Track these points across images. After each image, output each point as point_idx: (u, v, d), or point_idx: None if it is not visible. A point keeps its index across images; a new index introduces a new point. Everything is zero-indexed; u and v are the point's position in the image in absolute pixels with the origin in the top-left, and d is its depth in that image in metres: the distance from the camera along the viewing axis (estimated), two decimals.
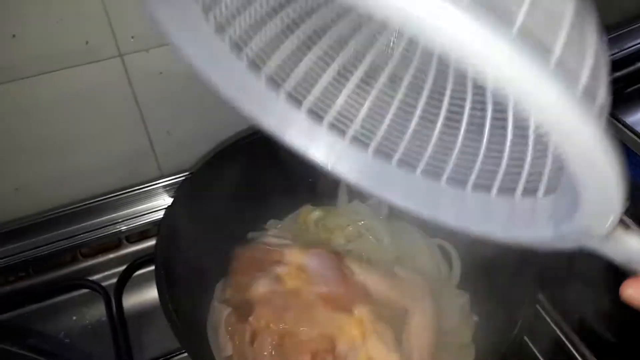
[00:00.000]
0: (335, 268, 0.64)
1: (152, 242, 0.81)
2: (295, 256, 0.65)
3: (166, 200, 0.82)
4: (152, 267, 0.75)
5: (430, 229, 0.77)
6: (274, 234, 0.73)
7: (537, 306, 0.69)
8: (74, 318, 0.75)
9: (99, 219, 0.80)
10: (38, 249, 0.77)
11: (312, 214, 0.79)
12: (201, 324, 0.67)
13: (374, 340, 0.58)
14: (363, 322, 0.60)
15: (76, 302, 0.77)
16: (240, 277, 0.67)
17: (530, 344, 0.70)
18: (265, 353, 0.60)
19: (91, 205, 0.79)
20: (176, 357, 0.68)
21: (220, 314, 0.65)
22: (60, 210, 0.78)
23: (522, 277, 0.58)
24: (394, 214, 0.79)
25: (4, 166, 0.73)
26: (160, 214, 0.80)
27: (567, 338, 0.68)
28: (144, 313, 0.76)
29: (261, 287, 0.62)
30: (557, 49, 0.23)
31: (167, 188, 0.82)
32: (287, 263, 0.65)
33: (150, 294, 0.76)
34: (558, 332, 0.69)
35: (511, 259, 0.62)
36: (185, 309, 0.60)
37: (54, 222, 0.78)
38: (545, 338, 0.70)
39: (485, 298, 0.68)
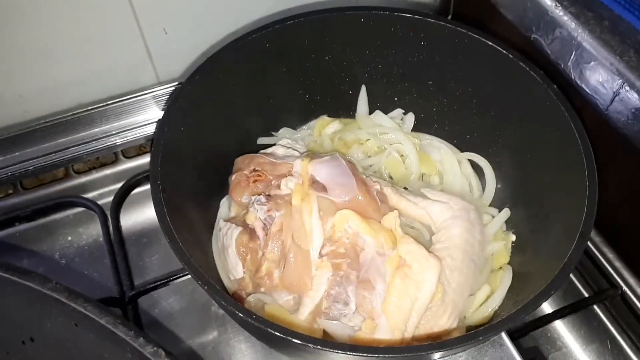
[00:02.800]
0: (352, 175, 0.57)
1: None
2: (304, 167, 0.58)
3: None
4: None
5: (461, 143, 0.70)
6: (285, 143, 0.65)
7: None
8: (69, 238, 0.70)
9: (92, 130, 0.73)
10: (26, 162, 0.71)
11: (328, 126, 0.71)
12: (204, 242, 0.61)
13: (409, 243, 0.54)
14: (393, 229, 0.55)
15: (71, 221, 0.71)
16: (240, 193, 0.61)
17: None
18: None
19: (83, 114, 0.72)
20: (180, 279, 0.63)
21: (229, 233, 0.58)
22: (49, 120, 0.71)
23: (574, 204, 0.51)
24: (422, 127, 0.71)
25: None
26: None
27: (612, 267, 0.63)
28: (144, 233, 0.70)
29: (258, 214, 0.57)
30: None
31: (166, 97, 0.75)
32: (295, 176, 0.58)
33: (150, 213, 0.69)
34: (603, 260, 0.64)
35: (561, 180, 0.55)
36: (187, 227, 0.53)
37: (42, 133, 0.71)
38: (587, 264, 0.64)
39: (527, 217, 0.62)
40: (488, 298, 0.57)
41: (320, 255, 0.55)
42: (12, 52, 0.64)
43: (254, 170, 0.61)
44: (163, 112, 0.57)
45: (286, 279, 0.54)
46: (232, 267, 0.58)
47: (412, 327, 0.52)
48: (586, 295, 0.65)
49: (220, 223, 0.62)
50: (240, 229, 0.58)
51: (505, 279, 0.57)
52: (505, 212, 0.63)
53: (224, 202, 0.65)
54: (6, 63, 0.65)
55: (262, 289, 0.56)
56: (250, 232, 0.57)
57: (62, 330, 0.37)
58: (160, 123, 0.56)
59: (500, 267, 0.60)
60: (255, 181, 0.60)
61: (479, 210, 0.61)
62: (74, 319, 0.36)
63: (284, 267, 0.55)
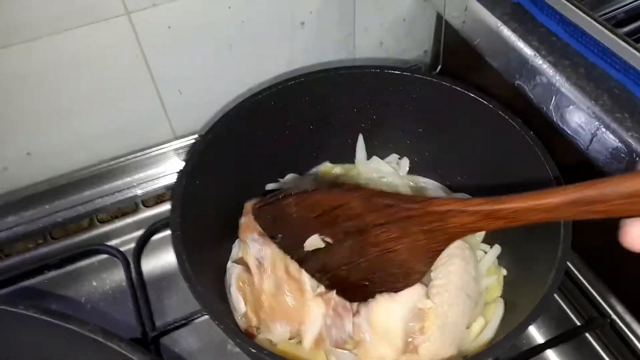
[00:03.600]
0: None
1: (168, 206, 0.79)
2: None
3: (181, 163, 0.81)
4: (169, 231, 0.76)
5: (453, 185, 0.75)
6: (292, 184, 0.71)
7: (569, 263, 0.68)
8: (94, 283, 0.75)
9: (114, 183, 0.79)
10: (55, 215, 0.77)
11: (332, 171, 0.77)
12: (220, 284, 0.66)
13: None
14: None
15: (96, 267, 0.76)
16: (246, 234, 0.66)
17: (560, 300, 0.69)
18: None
19: (105, 169, 0.78)
20: (198, 319, 0.68)
21: (231, 271, 0.64)
22: (75, 174, 0.78)
23: (552, 236, 0.56)
24: (416, 170, 0.77)
25: (14, 131, 0.71)
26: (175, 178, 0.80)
27: (601, 297, 0.67)
28: (163, 277, 0.75)
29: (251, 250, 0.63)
30: None
31: (182, 150, 0.81)
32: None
33: (169, 257, 0.75)
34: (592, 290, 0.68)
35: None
36: (204, 271, 0.58)
37: (68, 187, 0.78)
38: (577, 295, 0.68)
39: (514, 252, 0.66)
40: (483, 330, 0.61)
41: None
42: (38, 112, 0.71)
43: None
44: (181, 167, 0.63)
45: (284, 309, 0.59)
46: (236, 303, 0.64)
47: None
48: (578, 324, 0.68)
49: (228, 264, 0.67)
50: (239, 267, 0.64)
51: (497, 311, 0.61)
52: (496, 249, 0.68)
53: (235, 245, 0.70)
54: (33, 123, 0.72)
55: (264, 321, 0.61)
56: (248, 268, 0.62)
57: None
58: (178, 177, 0.62)
59: (493, 300, 0.64)
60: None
61: (472, 247, 0.66)
62: (109, 356, 0.42)
63: (281, 298, 0.60)
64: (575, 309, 0.69)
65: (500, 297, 0.64)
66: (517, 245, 0.65)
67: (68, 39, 0.65)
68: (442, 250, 0.53)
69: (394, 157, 0.78)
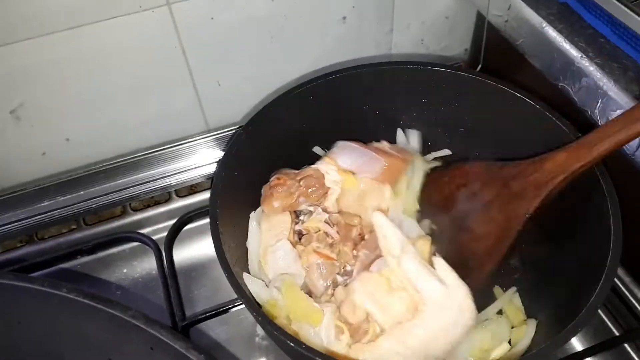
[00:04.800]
0: (367, 149, 0.64)
1: (200, 197, 0.81)
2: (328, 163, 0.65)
3: (215, 154, 0.81)
4: (201, 222, 0.76)
5: None
6: None
7: None
8: (125, 271, 0.76)
9: (148, 172, 0.79)
10: (89, 201, 0.77)
11: None
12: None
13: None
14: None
15: (127, 255, 0.77)
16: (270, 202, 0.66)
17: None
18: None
19: (141, 158, 0.79)
20: (228, 311, 0.67)
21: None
22: (111, 162, 0.78)
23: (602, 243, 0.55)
24: None
25: (55, 117, 0.72)
26: (209, 169, 0.81)
27: None
28: (193, 267, 0.75)
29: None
30: None
31: (216, 142, 0.82)
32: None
33: (199, 248, 0.76)
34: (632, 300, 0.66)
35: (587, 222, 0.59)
36: (240, 261, 0.58)
37: (104, 175, 0.78)
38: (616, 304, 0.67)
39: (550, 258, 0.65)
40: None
41: None
42: (78, 99, 0.72)
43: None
44: (221, 157, 0.63)
45: None
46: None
47: None
48: (617, 333, 0.66)
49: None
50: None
51: (528, 332, 0.60)
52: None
53: (252, 217, 0.67)
54: (73, 110, 0.73)
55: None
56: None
57: (139, 353, 0.42)
58: (218, 167, 0.62)
59: (520, 323, 0.62)
60: (275, 185, 0.65)
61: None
62: (150, 343, 0.41)
63: None
64: (615, 319, 0.67)
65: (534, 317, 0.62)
66: (555, 249, 0.63)
67: (109, 27, 0.66)
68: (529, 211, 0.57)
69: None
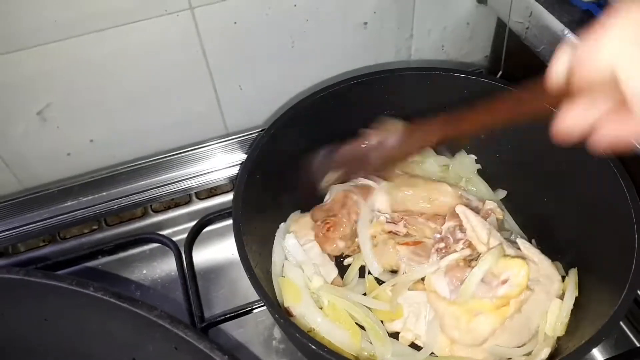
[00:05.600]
0: None
1: (220, 199, 0.82)
2: None
3: (234, 157, 0.82)
4: (220, 224, 0.77)
5: (514, 191, 0.74)
6: None
7: None
8: (145, 271, 0.76)
9: (170, 174, 0.80)
10: (111, 202, 0.78)
11: None
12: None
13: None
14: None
15: (147, 256, 0.77)
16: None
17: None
18: None
19: (162, 160, 0.80)
20: (247, 313, 0.68)
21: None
22: (133, 164, 0.79)
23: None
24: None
25: (80, 118, 0.73)
26: (228, 171, 0.81)
27: None
28: (212, 269, 0.76)
29: None
30: None
31: (235, 146, 0.82)
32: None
33: (218, 250, 0.77)
34: None
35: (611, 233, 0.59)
36: (261, 263, 0.59)
37: (126, 176, 0.79)
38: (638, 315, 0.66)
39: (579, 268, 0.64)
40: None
41: None
42: (103, 101, 0.73)
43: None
44: (243, 160, 0.64)
45: None
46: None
47: None
48: (638, 345, 0.65)
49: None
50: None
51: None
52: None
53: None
54: (97, 113, 0.74)
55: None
56: None
57: (163, 352, 0.43)
58: (241, 169, 0.63)
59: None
60: (329, 229, 0.68)
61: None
62: (174, 343, 0.42)
63: None
64: (636, 329, 0.66)
65: None
66: (582, 258, 0.63)
67: (134, 31, 0.67)
68: None
69: None
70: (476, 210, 0.67)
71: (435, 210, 0.69)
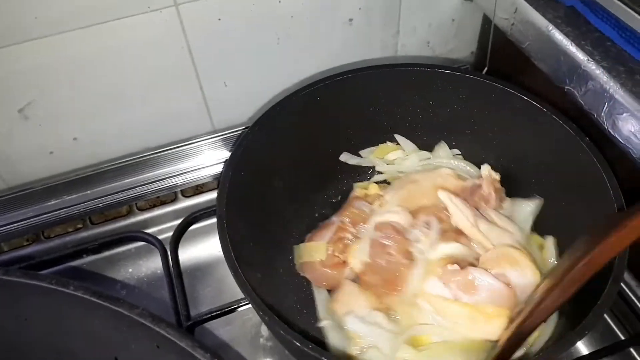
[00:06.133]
0: None
1: (206, 197, 0.81)
2: None
3: (220, 154, 0.81)
4: (207, 222, 0.77)
5: None
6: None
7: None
8: (130, 270, 0.76)
9: (155, 172, 0.80)
10: (95, 200, 0.78)
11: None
12: (270, 274, 0.67)
13: None
14: None
15: (132, 254, 0.77)
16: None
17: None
18: None
19: (147, 158, 0.79)
20: (233, 311, 0.67)
21: None
22: (117, 162, 0.79)
23: None
24: None
25: (63, 116, 0.73)
26: (215, 169, 0.81)
27: None
28: (198, 267, 0.75)
29: None
30: None
31: (222, 142, 0.82)
32: None
33: (204, 248, 0.77)
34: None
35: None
36: (246, 261, 0.58)
37: (111, 174, 0.79)
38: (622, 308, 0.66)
39: None
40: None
41: None
42: (86, 99, 0.72)
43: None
44: (227, 157, 0.63)
45: None
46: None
47: None
48: (622, 337, 0.66)
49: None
50: None
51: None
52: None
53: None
54: (80, 110, 0.73)
55: None
56: None
57: (145, 351, 0.42)
58: (225, 167, 0.62)
59: None
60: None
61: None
62: (156, 341, 0.41)
63: None
64: (620, 323, 0.67)
65: None
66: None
67: (117, 28, 0.66)
68: None
69: None
70: (478, 186, 0.67)
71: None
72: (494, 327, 0.57)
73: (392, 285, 0.62)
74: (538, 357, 0.50)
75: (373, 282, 0.63)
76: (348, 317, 0.61)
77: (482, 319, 0.58)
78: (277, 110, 0.66)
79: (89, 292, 0.43)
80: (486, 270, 0.60)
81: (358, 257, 0.65)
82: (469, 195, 0.67)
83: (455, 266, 0.60)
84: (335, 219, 0.70)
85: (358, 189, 0.75)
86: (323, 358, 0.46)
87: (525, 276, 0.60)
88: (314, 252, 0.67)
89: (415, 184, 0.70)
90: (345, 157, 0.76)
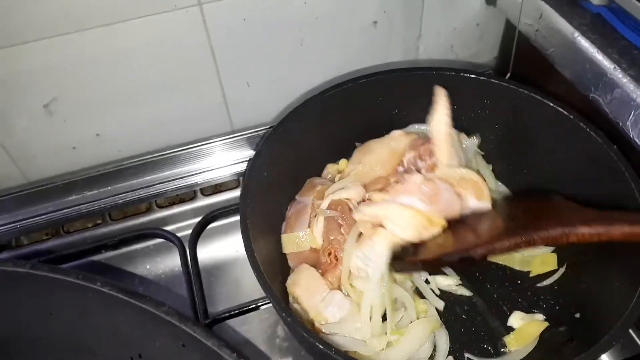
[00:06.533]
0: None
1: (225, 196, 0.81)
2: None
3: (240, 154, 0.81)
4: (225, 221, 0.77)
5: (518, 196, 0.73)
6: None
7: None
8: (148, 267, 0.76)
9: (175, 170, 0.80)
10: (115, 197, 0.78)
11: None
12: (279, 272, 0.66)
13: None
14: None
15: (150, 251, 0.77)
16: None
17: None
18: None
19: (168, 155, 0.79)
20: (251, 311, 0.68)
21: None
22: (139, 159, 0.79)
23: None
24: None
25: (86, 112, 0.73)
26: (234, 168, 0.81)
27: None
28: (216, 266, 0.75)
29: None
30: None
31: (242, 142, 0.82)
32: None
33: (222, 247, 0.77)
34: None
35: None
36: (267, 259, 0.58)
37: (132, 171, 0.79)
38: None
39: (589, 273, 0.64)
40: None
41: None
42: (109, 96, 0.73)
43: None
44: (251, 156, 0.63)
45: None
46: None
47: None
48: None
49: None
50: None
51: None
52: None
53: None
54: (103, 107, 0.73)
55: None
56: None
57: (170, 349, 0.43)
58: (248, 166, 0.62)
59: None
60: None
61: None
62: (182, 339, 0.42)
63: None
64: None
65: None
66: (591, 265, 0.63)
67: (142, 26, 0.67)
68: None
69: None
70: (427, 139, 0.69)
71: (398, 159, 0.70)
72: (430, 232, 0.61)
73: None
74: None
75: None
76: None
77: (427, 225, 0.61)
78: (301, 111, 0.66)
79: (115, 289, 0.43)
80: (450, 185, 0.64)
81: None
82: (420, 146, 0.69)
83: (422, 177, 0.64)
84: (302, 199, 0.71)
85: (329, 167, 0.75)
86: None
87: (481, 204, 0.64)
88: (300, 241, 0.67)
89: (371, 153, 0.71)
90: None
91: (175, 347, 0.42)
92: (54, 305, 0.47)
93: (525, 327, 0.64)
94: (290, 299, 0.64)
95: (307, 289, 0.63)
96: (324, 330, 0.61)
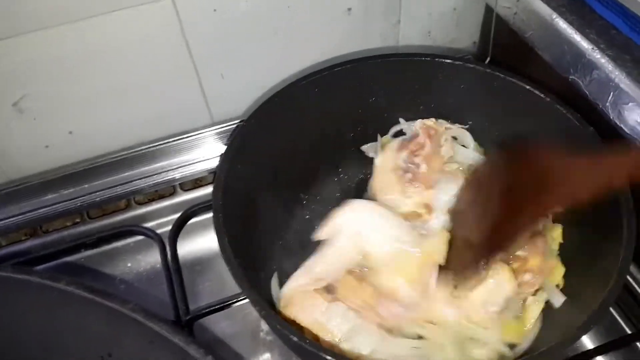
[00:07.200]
0: None
1: (205, 191, 0.80)
2: None
3: (220, 147, 0.80)
4: (206, 216, 0.76)
5: None
6: None
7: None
8: (129, 264, 0.75)
9: (153, 166, 0.79)
10: (93, 194, 0.77)
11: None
12: (259, 269, 0.66)
13: None
14: None
15: (131, 248, 0.76)
16: None
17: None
18: None
19: (145, 151, 0.78)
20: (232, 306, 0.67)
21: None
22: (114, 156, 0.78)
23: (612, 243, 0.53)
24: None
25: (58, 110, 0.72)
26: (214, 162, 0.79)
27: None
28: (197, 262, 0.75)
29: None
30: None
31: (221, 135, 0.81)
32: None
33: (203, 242, 0.76)
34: None
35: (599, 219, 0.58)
36: (243, 254, 0.58)
37: (108, 168, 0.78)
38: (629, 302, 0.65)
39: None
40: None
41: None
42: (82, 93, 0.71)
43: None
44: (223, 150, 0.62)
45: None
46: None
47: None
48: (628, 332, 0.65)
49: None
50: None
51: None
52: None
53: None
54: (76, 103, 0.72)
55: None
56: None
57: (138, 347, 0.42)
58: (221, 159, 0.61)
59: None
60: None
61: None
62: (149, 337, 0.41)
63: None
64: (626, 316, 0.66)
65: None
66: (572, 247, 0.62)
67: (114, 20, 0.65)
68: None
69: None
70: (415, 135, 0.70)
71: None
72: None
73: None
74: (543, 352, 0.49)
75: None
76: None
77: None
78: (274, 101, 0.65)
79: (81, 287, 0.43)
80: None
81: None
82: (408, 143, 0.69)
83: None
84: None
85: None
86: (320, 353, 0.45)
87: None
88: None
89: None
90: (366, 148, 0.76)
91: (143, 345, 0.42)
92: (21, 307, 0.47)
93: None
94: None
95: (302, 308, 0.60)
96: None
